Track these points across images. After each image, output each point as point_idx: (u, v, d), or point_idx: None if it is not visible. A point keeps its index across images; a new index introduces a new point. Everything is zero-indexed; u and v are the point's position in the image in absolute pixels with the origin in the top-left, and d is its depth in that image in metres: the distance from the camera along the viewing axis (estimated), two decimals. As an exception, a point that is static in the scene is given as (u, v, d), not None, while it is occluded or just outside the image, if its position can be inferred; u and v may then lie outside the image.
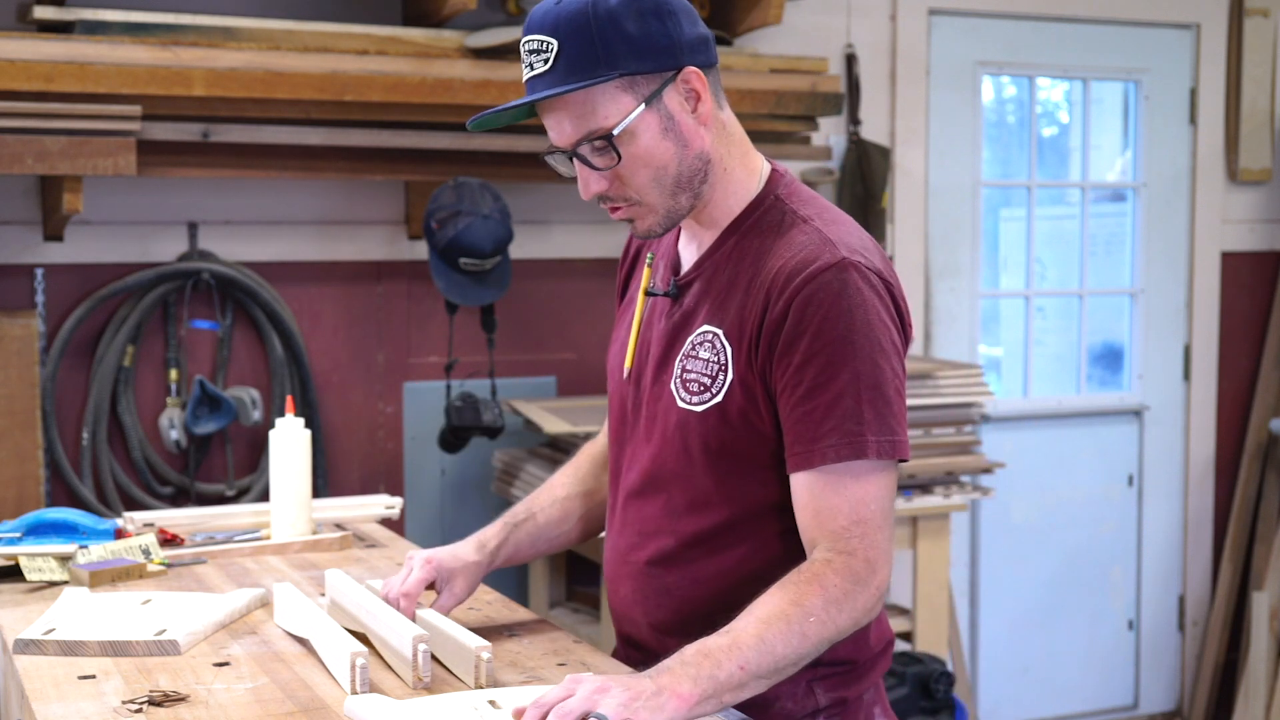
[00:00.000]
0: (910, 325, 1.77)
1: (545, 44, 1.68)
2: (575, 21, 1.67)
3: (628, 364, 1.88)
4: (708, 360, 1.76)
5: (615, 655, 1.94)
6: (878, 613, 1.71)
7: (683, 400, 1.77)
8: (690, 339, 1.79)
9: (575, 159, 1.74)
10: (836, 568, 1.64)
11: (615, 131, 1.69)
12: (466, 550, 1.95)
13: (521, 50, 1.72)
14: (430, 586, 1.91)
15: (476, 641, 1.70)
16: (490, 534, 2.00)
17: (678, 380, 1.79)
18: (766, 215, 1.79)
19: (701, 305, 1.80)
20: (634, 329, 1.89)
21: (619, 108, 1.69)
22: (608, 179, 1.73)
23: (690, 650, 1.55)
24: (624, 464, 1.89)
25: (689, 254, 1.85)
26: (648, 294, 1.88)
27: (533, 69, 1.70)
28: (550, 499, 2.07)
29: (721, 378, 1.74)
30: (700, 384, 1.76)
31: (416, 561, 1.91)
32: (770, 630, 1.58)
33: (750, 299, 1.73)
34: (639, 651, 1.90)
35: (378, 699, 1.59)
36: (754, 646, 1.57)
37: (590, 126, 1.70)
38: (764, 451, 1.74)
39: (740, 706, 1.69)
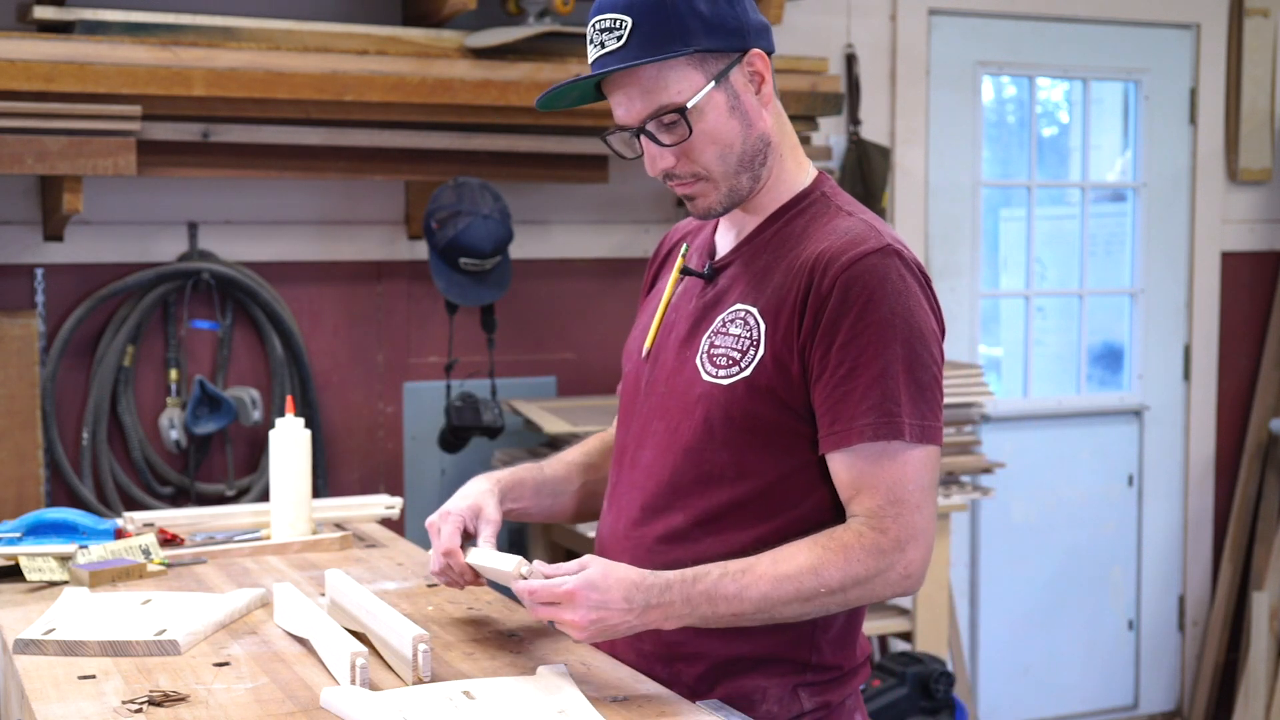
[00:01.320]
0: (943, 320, 1.80)
1: (618, 21, 1.73)
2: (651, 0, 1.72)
3: (648, 344, 1.90)
4: (739, 336, 1.77)
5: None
6: (906, 590, 1.73)
7: (708, 374, 1.79)
8: (721, 316, 1.81)
9: (643, 136, 1.77)
10: (866, 543, 1.68)
11: (689, 105, 1.74)
12: (475, 484, 1.96)
13: (590, 31, 1.76)
14: (467, 536, 1.90)
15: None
16: (496, 471, 2.03)
17: (704, 355, 1.80)
18: (811, 208, 1.83)
19: (736, 286, 1.82)
20: (660, 310, 1.91)
21: (690, 84, 1.74)
22: (675, 155, 1.77)
23: (700, 589, 1.64)
24: (631, 441, 1.90)
25: (727, 240, 1.88)
26: (682, 272, 1.90)
27: (604, 47, 1.74)
28: (558, 459, 2.10)
29: (753, 353, 1.76)
30: (729, 358, 1.77)
31: (438, 521, 1.89)
32: (780, 590, 1.65)
33: (791, 279, 1.75)
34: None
35: (354, 690, 1.60)
36: (756, 602, 1.65)
37: (661, 102, 1.74)
38: (785, 429, 1.75)
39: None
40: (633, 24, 1.72)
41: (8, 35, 3.32)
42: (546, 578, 1.64)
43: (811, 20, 4.39)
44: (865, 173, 4.37)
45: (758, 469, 1.77)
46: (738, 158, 1.78)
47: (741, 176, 1.80)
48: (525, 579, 1.66)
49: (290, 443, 2.39)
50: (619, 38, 1.73)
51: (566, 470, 2.08)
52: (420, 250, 3.99)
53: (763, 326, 1.76)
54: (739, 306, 1.79)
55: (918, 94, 4.56)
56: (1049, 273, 5.09)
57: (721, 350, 1.78)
